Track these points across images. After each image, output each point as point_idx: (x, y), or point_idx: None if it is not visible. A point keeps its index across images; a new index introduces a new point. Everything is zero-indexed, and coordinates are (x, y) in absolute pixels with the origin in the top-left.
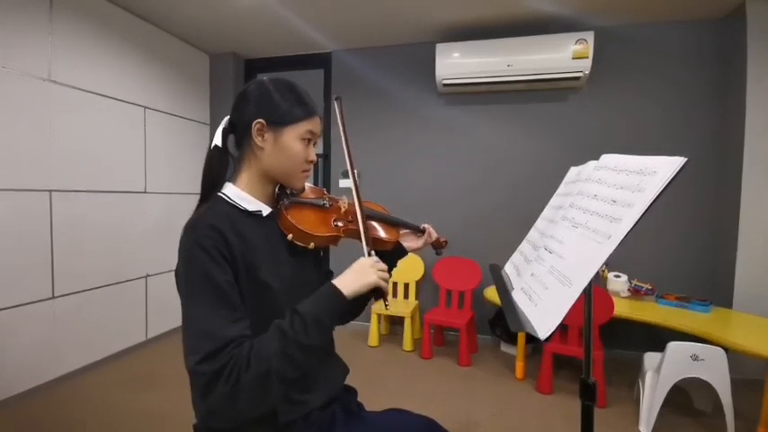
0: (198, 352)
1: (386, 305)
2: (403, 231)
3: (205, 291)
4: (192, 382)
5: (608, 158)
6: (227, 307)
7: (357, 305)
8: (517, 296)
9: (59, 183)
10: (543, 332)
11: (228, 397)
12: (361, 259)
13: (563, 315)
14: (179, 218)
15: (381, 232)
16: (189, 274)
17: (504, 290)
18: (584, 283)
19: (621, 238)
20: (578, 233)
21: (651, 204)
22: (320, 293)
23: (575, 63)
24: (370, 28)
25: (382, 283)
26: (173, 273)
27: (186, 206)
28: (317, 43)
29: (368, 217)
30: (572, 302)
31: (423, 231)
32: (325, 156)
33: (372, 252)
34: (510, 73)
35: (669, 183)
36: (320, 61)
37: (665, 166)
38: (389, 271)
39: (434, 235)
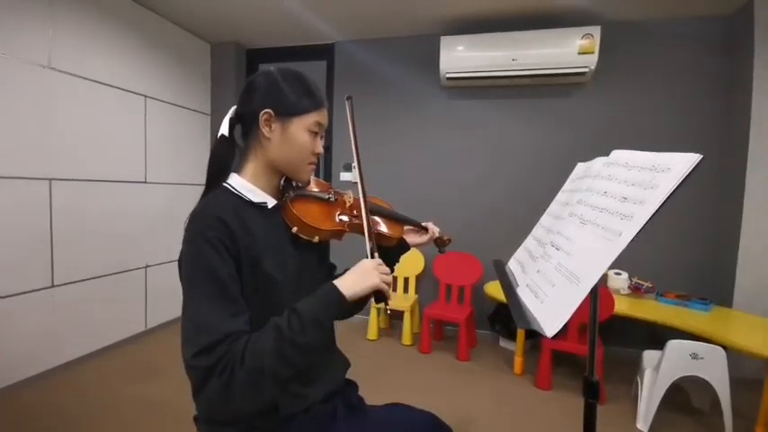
0: (195, 344)
1: (386, 308)
2: (407, 228)
3: (206, 283)
4: (187, 374)
5: (619, 154)
6: (227, 300)
7: (357, 304)
8: (522, 293)
9: (59, 171)
10: (550, 330)
11: (222, 391)
12: (364, 261)
13: (571, 313)
14: (179, 208)
15: (385, 228)
16: (192, 265)
17: (510, 286)
18: (593, 281)
19: (633, 235)
20: (587, 230)
21: (664, 202)
22: (320, 293)
23: (580, 58)
24: (373, 19)
25: (384, 287)
26: (172, 263)
27: (186, 196)
28: (320, 34)
29: (372, 212)
30: (580, 300)
31: (426, 229)
32: (327, 148)
33: (375, 253)
34: (515, 67)
35: (683, 180)
36: (323, 52)
37: (680, 163)
38: (392, 266)
39: (438, 231)
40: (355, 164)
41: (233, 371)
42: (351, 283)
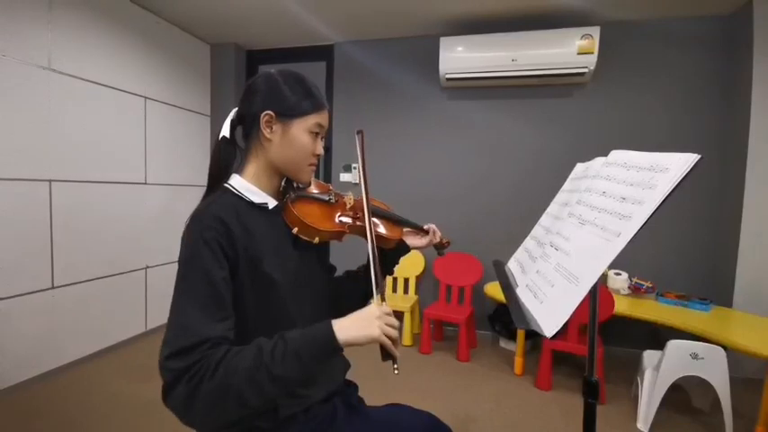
0: (172, 345)
1: (394, 368)
2: (406, 230)
3: (197, 284)
4: (160, 374)
5: (617, 154)
6: (215, 305)
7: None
8: (522, 293)
9: (59, 173)
10: (549, 330)
11: (185, 399)
12: (371, 307)
13: (570, 313)
14: (179, 209)
15: (384, 230)
16: (186, 265)
17: (509, 287)
18: (592, 281)
19: (631, 236)
20: (586, 230)
21: (662, 202)
22: (314, 329)
23: (580, 58)
24: (373, 20)
25: (385, 340)
26: (173, 264)
27: (186, 197)
28: (319, 35)
29: (372, 213)
30: (579, 300)
31: (426, 231)
32: (327, 149)
33: (384, 300)
34: (514, 68)
35: (682, 180)
36: (323, 53)
37: (678, 164)
38: (391, 268)
39: (438, 235)
40: (363, 194)
41: (201, 381)
42: (348, 327)
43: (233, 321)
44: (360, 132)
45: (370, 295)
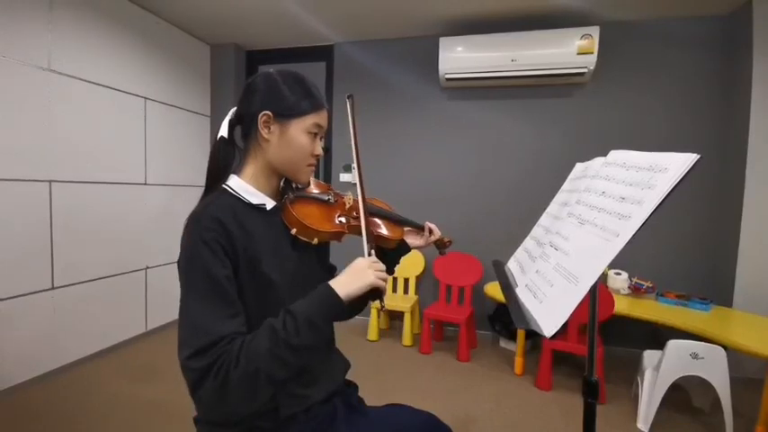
0: (190, 346)
1: (381, 305)
2: (407, 229)
3: (203, 285)
4: (183, 375)
5: (616, 154)
6: (223, 302)
7: (356, 304)
8: (521, 293)
9: (59, 173)
10: (549, 330)
11: (217, 393)
12: (358, 260)
13: (569, 313)
14: (179, 210)
15: (385, 230)
16: (188, 266)
17: (508, 287)
18: (592, 281)
19: (630, 235)
20: (585, 230)
21: (662, 202)
22: (315, 294)
23: (579, 58)
24: (373, 20)
25: (380, 283)
26: (173, 265)
27: (186, 198)
28: (319, 35)
29: (372, 214)
30: (578, 300)
31: (427, 231)
32: (327, 150)
33: (372, 252)
34: (514, 68)
35: (681, 180)
36: (322, 54)
37: (677, 163)
38: (392, 268)
39: (438, 233)
40: (355, 164)
41: (228, 372)
42: (345, 283)
43: (243, 317)
44: (350, 97)
45: (369, 250)
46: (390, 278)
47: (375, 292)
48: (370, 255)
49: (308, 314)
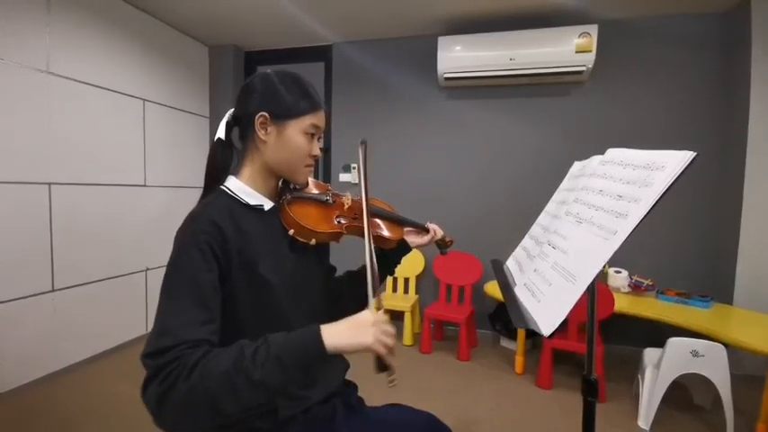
0: (152, 344)
1: (390, 381)
2: (407, 229)
3: (182, 286)
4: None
5: (614, 153)
6: (198, 307)
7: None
8: (520, 292)
9: (58, 176)
10: (547, 329)
11: (157, 399)
12: (365, 313)
13: (567, 311)
14: (179, 211)
15: (385, 231)
16: (174, 265)
17: (507, 286)
18: (589, 280)
19: (628, 234)
20: (583, 229)
21: (658, 200)
22: (301, 333)
23: (578, 57)
24: (371, 20)
25: (379, 349)
26: None
27: (186, 199)
28: (317, 35)
29: (372, 214)
30: (576, 299)
31: (427, 230)
32: (326, 150)
33: (381, 306)
34: (512, 67)
35: (677, 178)
36: (321, 54)
37: (674, 161)
38: (392, 268)
39: (440, 233)
40: (363, 203)
41: (175, 381)
42: (339, 333)
43: (218, 326)
44: (364, 142)
45: (365, 303)
46: (390, 279)
47: (379, 360)
48: (378, 307)
49: (280, 350)
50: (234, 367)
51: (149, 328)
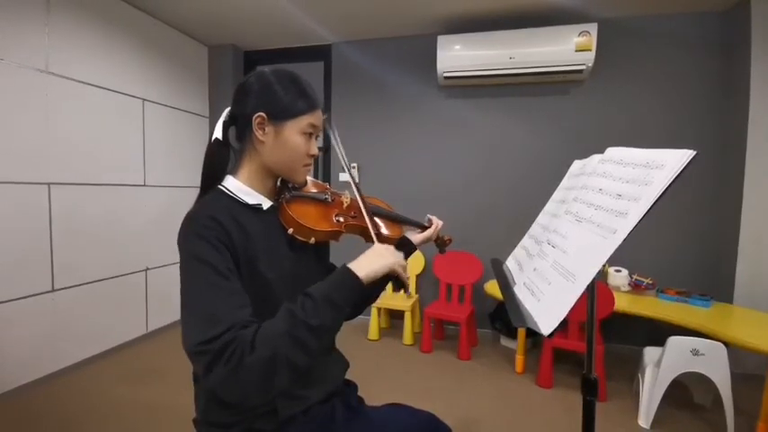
0: (201, 333)
1: (407, 291)
2: (406, 228)
3: (206, 277)
4: (191, 361)
5: (613, 151)
6: (231, 294)
7: (372, 293)
8: (519, 291)
9: (58, 176)
10: (546, 328)
11: (229, 379)
12: (376, 244)
13: (566, 311)
14: (178, 211)
15: (384, 229)
16: (191, 264)
17: (506, 285)
18: (589, 279)
19: (627, 232)
20: (582, 228)
21: (658, 199)
22: (333, 275)
23: (577, 56)
24: (370, 19)
25: (398, 270)
26: (173, 266)
27: (185, 199)
28: (317, 35)
29: (371, 213)
30: (576, 298)
31: (426, 227)
32: (325, 149)
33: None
34: (512, 66)
35: (677, 176)
36: (320, 53)
37: (673, 160)
38: None
39: (440, 225)
40: (363, 211)
41: (242, 357)
42: (364, 264)
43: (250, 308)
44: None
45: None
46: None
47: (397, 280)
48: (376, 236)
49: (327, 293)
50: (291, 323)
51: (149, 329)
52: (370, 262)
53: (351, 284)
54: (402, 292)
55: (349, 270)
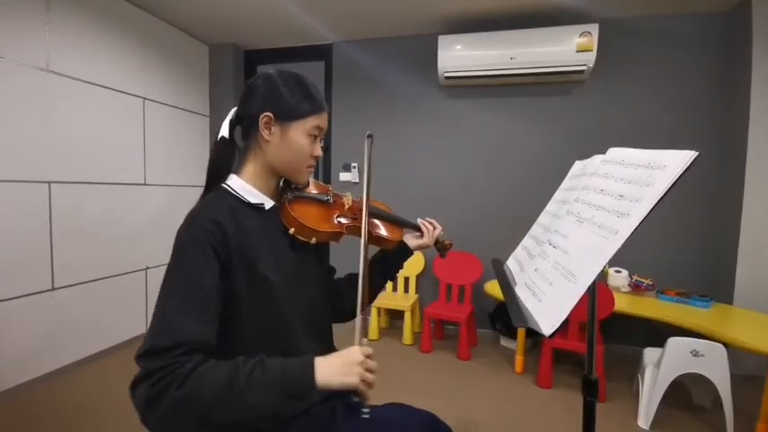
0: (148, 343)
1: (363, 412)
2: (406, 231)
3: (183, 286)
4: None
5: (615, 152)
6: (198, 306)
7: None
8: (520, 292)
9: (58, 174)
10: (547, 329)
11: (146, 401)
12: (355, 350)
13: (568, 311)
14: (178, 210)
15: (384, 231)
16: (175, 264)
17: (507, 285)
18: (590, 280)
19: (629, 233)
20: (584, 228)
21: (660, 200)
22: (295, 364)
23: (579, 56)
24: (371, 19)
25: (362, 388)
26: None
27: (186, 198)
28: (318, 34)
29: (372, 215)
30: (577, 299)
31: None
32: (326, 149)
33: (366, 336)
34: (513, 66)
35: (679, 177)
36: (321, 53)
37: (675, 160)
38: (393, 273)
39: (437, 229)
40: (364, 198)
41: (167, 387)
42: (330, 371)
43: (215, 327)
44: (370, 136)
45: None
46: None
47: (355, 393)
48: (361, 342)
49: (274, 378)
50: (227, 385)
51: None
52: (340, 372)
53: (303, 385)
54: (357, 400)
55: (311, 371)
